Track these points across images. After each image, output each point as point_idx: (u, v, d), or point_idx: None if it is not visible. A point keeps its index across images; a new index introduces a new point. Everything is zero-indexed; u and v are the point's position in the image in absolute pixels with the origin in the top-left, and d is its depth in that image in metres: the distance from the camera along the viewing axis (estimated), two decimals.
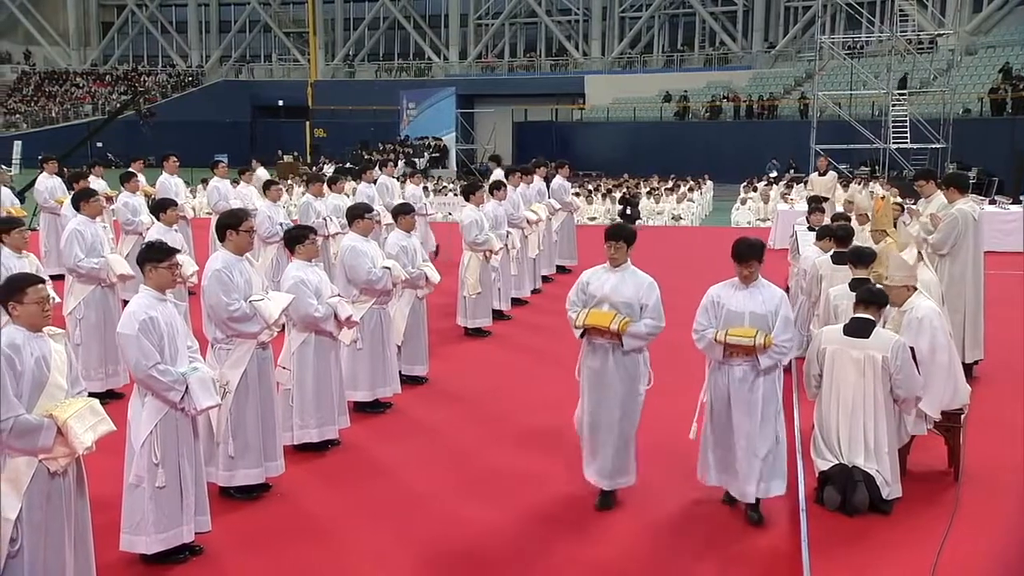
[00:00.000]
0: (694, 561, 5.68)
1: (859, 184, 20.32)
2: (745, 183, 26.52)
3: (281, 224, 11.37)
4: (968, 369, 8.58)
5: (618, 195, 25.05)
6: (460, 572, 5.62)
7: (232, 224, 6.36)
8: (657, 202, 25.32)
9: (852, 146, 31.61)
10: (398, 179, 20.00)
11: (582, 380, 6.43)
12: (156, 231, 9.29)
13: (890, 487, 6.02)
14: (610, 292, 6.21)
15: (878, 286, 6.55)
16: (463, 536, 6.01)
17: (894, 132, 31.13)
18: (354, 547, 5.88)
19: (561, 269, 14.70)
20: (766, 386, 6.04)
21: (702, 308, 6.19)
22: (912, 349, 6.18)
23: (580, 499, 6.46)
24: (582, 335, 6.32)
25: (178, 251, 5.74)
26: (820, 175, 17.60)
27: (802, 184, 18.62)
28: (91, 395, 5.06)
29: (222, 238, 6.41)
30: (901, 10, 32.92)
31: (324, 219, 11.99)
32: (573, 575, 5.54)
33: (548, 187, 14.44)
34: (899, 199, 14.09)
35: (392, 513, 6.36)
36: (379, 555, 5.78)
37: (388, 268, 8.21)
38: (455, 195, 24.71)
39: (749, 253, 6.04)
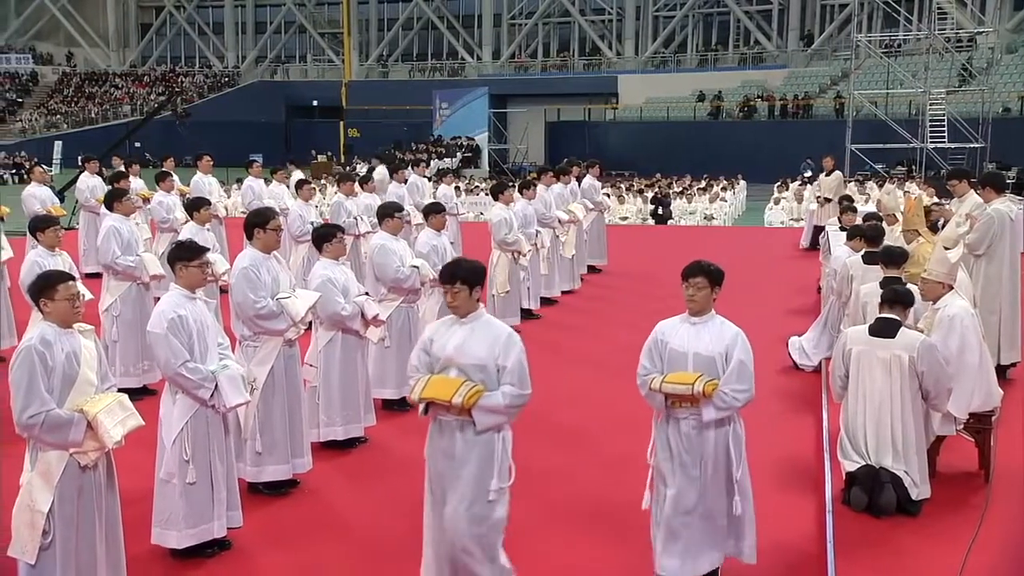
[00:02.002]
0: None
1: (891, 184, 20.11)
2: (779, 183, 26.34)
3: (312, 223, 11.46)
4: (1003, 371, 8.48)
5: (650, 195, 25.00)
6: None
7: (259, 222, 6.44)
8: (689, 202, 25.23)
9: (888, 145, 31.32)
10: (430, 179, 20.11)
11: (428, 469, 4.95)
12: (189, 230, 9.42)
13: (919, 488, 5.95)
14: (455, 353, 4.74)
15: (907, 286, 6.49)
16: None
17: (931, 131, 30.81)
18: (379, 543, 5.92)
19: (592, 269, 14.69)
20: (719, 444, 5.00)
21: (645, 349, 5.16)
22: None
23: (604, 500, 6.45)
24: (425, 411, 4.82)
25: (207, 250, 5.81)
26: (826, 175, 17.40)
27: (815, 185, 18.29)
28: (126, 391, 5.16)
29: (250, 236, 6.49)
30: (940, 8, 32.54)
31: (355, 218, 12.09)
32: (594, 573, 5.54)
33: (579, 186, 14.43)
34: (936, 199, 13.95)
35: (418, 510, 6.35)
36: (404, 551, 5.78)
37: (416, 267, 8.25)
38: (486, 195, 24.78)
39: (695, 269, 5.00)
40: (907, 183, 24.84)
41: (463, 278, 4.76)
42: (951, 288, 6.57)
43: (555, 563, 5.65)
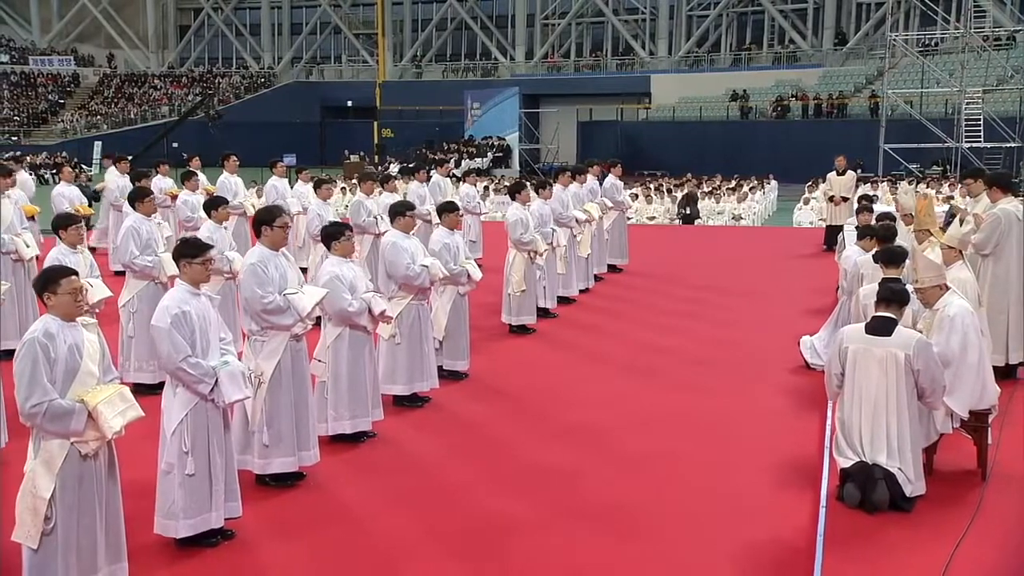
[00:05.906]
0: (712, 555, 5.69)
1: (916, 184, 19.88)
2: (809, 183, 26.18)
3: (331, 222, 11.63)
4: (1012, 370, 8.45)
5: (678, 195, 24.93)
6: (489, 566, 5.64)
7: (267, 220, 6.59)
8: (718, 202, 25.14)
9: (923, 145, 31.00)
10: (458, 179, 20.23)
11: None
12: (207, 229, 9.62)
13: (913, 484, 5.98)
14: None
15: (906, 285, 6.51)
16: (493, 530, 6.04)
17: (967, 131, 30.46)
18: (385, 537, 5.98)
19: (613, 268, 14.75)
20: None
21: None
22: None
23: (612, 497, 6.50)
24: None
25: (211, 247, 5.97)
26: (839, 174, 17.09)
27: (827, 184, 18.04)
28: (141, 386, 5.31)
29: (259, 233, 6.65)
30: (977, 5, 32.15)
31: (375, 217, 12.24)
32: (599, 573, 5.57)
33: (601, 186, 14.47)
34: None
35: (423, 505, 6.42)
36: (409, 546, 5.84)
37: (427, 266, 8.36)
38: None
39: None
40: (942, 183, 24.58)
41: None
42: (947, 288, 6.58)
43: (563, 563, 5.65)
